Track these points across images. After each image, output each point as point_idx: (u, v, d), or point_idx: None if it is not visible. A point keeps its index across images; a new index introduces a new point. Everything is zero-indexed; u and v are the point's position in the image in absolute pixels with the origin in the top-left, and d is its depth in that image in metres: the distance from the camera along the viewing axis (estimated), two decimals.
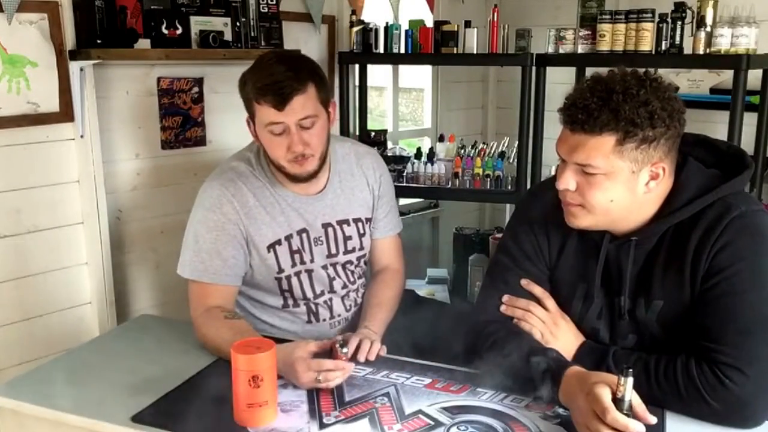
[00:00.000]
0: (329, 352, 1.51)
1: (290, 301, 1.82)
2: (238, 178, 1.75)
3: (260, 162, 1.79)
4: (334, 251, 1.84)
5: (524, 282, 1.49)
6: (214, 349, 1.58)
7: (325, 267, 1.83)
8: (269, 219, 1.75)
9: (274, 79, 1.61)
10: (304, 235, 1.79)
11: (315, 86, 1.65)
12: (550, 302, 1.48)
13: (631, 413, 1.14)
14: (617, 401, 1.14)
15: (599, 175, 1.30)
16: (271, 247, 1.75)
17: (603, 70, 1.33)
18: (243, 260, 1.75)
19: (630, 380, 1.14)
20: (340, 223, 1.84)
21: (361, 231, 1.89)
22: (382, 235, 1.95)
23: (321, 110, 1.68)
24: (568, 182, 1.34)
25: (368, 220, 1.91)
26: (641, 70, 1.32)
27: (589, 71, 2.34)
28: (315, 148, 1.69)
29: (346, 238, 1.85)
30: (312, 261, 1.81)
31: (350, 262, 1.88)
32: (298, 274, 1.80)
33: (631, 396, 1.15)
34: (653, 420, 1.17)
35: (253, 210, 1.74)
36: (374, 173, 1.92)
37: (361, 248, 1.89)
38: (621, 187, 1.31)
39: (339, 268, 1.86)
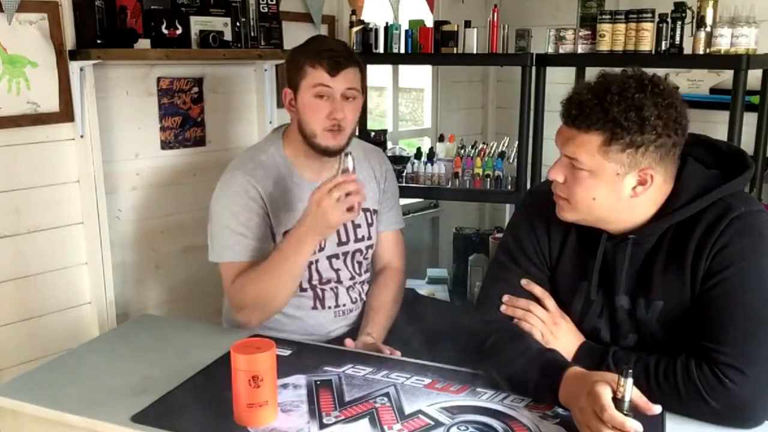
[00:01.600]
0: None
1: (297, 288, 1.83)
2: (258, 166, 1.80)
3: (281, 149, 1.82)
4: (344, 239, 1.86)
5: (524, 282, 1.49)
6: (257, 292, 1.69)
7: (335, 256, 1.85)
8: (287, 207, 1.79)
9: (332, 48, 1.77)
10: None
11: (359, 69, 1.80)
12: (550, 302, 1.48)
13: (632, 414, 1.14)
14: (617, 401, 1.14)
15: (584, 172, 1.31)
16: (287, 233, 1.77)
17: (617, 70, 1.32)
18: (271, 238, 1.80)
19: (630, 381, 1.13)
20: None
21: (369, 221, 1.92)
22: (386, 228, 1.98)
23: (360, 92, 1.80)
24: (558, 173, 1.35)
25: (375, 211, 1.94)
26: (649, 74, 1.30)
27: (589, 71, 2.33)
28: (349, 123, 1.78)
29: (356, 226, 1.88)
30: (321, 250, 1.83)
31: (359, 251, 1.90)
32: (308, 263, 1.81)
33: (631, 396, 1.14)
34: (657, 409, 1.17)
35: (272, 196, 1.78)
36: (380, 167, 1.98)
37: (370, 237, 1.92)
38: (604, 188, 1.31)
39: (348, 259, 1.88)
